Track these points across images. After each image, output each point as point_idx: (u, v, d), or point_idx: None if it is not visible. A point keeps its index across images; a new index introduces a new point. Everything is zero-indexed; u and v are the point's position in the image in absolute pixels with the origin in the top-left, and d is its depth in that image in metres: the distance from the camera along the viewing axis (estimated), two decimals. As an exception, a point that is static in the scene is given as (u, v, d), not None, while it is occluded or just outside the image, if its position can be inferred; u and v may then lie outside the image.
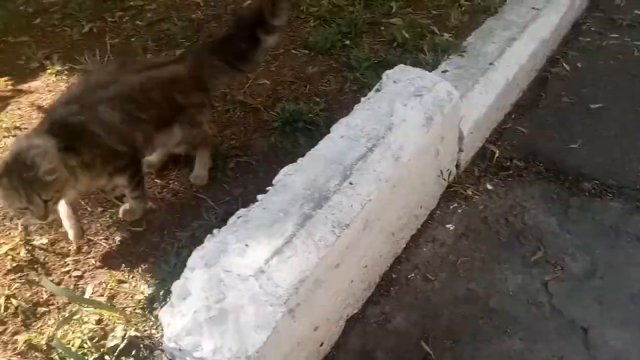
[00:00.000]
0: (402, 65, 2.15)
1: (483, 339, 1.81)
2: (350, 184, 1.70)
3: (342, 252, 1.66)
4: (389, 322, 1.95)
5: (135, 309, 1.83)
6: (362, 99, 2.08)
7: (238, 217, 1.66)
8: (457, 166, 2.36)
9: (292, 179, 1.75)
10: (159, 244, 2.04)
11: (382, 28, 3.06)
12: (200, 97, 2.13)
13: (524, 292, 1.97)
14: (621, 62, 3.02)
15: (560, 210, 2.25)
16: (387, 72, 2.13)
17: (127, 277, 1.95)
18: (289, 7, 2.17)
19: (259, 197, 1.73)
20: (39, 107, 2.65)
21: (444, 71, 2.45)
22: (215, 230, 1.63)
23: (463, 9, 3.09)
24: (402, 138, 1.87)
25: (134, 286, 1.91)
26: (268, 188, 1.75)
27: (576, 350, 1.75)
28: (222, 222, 1.70)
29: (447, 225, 2.26)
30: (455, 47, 2.60)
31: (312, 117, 2.48)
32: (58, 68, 2.87)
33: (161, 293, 1.85)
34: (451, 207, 2.33)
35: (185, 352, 1.49)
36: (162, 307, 1.63)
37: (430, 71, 2.23)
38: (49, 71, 2.88)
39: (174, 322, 1.50)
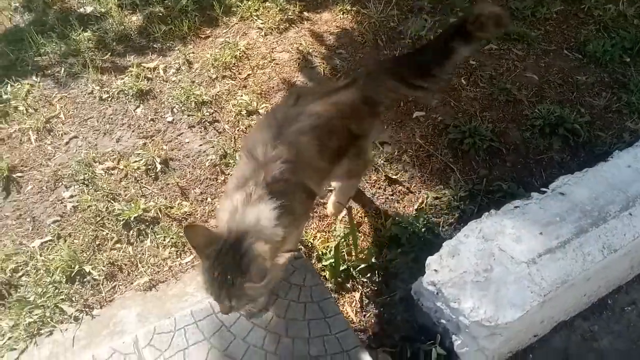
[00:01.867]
0: None
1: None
2: (630, 214, 1.81)
3: (598, 271, 1.81)
4: (594, 340, 2.09)
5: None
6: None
7: (515, 207, 1.88)
8: None
9: (571, 189, 1.90)
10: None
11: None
12: (371, 123, 1.90)
13: None
14: None
15: None
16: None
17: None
18: (507, 18, 1.84)
19: (534, 194, 1.92)
20: (317, 36, 3.05)
21: None
22: (492, 211, 1.88)
23: None
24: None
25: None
26: (544, 189, 1.93)
27: None
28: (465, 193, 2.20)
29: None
30: None
31: (574, 127, 2.53)
32: (347, 7, 3.21)
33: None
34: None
35: (444, 298, 1.80)
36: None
37: None
38: (338, 7, 3.23)
39: (442, 272, 1.81)
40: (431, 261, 1.88)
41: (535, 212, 1.84)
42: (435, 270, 1.82)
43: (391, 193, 2.42)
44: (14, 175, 2.42)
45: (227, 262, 1.40)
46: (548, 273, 1.71)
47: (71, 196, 2.33)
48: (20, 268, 2.06)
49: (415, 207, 2.36)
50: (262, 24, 3.14)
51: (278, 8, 3.20)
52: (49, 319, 1.87)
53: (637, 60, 2.87)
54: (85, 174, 2.39)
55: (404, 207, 2.36)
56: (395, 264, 2.16)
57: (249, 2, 3.25)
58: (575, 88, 2.76)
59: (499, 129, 2.59)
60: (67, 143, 2.58)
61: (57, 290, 1.95)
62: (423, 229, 2.25)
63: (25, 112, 2.68)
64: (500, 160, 2.50)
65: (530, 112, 2.64)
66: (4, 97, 2.73)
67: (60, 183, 2.39)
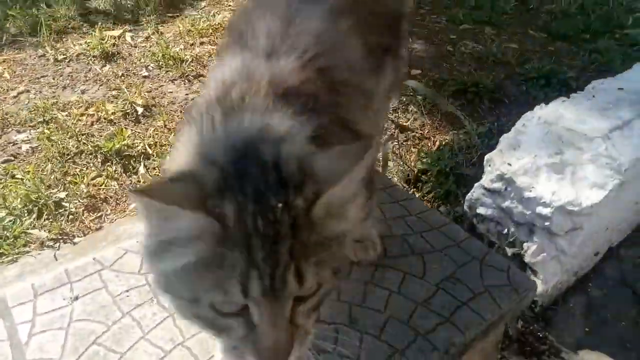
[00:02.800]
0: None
1: None
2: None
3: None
4: (646, 266, 1.92)
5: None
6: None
7: (561, 100, 1.76)
8: None
9: (607, 86, 1.84)
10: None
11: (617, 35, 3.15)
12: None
13: None
14: None
15: None
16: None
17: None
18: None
19: (573, 95, 1.83)
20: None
21: None
22: (542, 104, 1.74)
23: None
24: None
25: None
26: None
27: None
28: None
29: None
30: None
31: (565, 78, 2.57)
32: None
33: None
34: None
35: (516, 190, 1.56)
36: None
37: None
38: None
39: (507, 163, 1.59)
40: (492, 157, 1.65)
41: (586, 103, 1.73)
42: (505, 163, 1.59)
43: (405, 139, 2.22)
44: (-55, 123, 1.89)
45: (256, 180, 0.65)
46: (622, 149, 1.56)
47: (26, 139, 1.84)
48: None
49: (434, 148, 2.17)
50: (235, 6, 2.99)
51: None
52: (9, 245, 1.32)
53: (594, 37, 3.09)
54: (44, 117, 1.92)
55: (422, 149, 2.16)
56: (427, 199, 1.91)
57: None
58: (553, 55, 2.87)
59: (497, 83, 2.57)
60: (15, 97, 2.11)
61: (17, 221, 1.42)
62: (448, 166, 2.05)
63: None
64: (506, 108, 2.44)
65: (521, 70, 2.67)
66: None
67: (10, 129, 1.90)
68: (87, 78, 2.27)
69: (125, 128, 1.90)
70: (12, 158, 1.75)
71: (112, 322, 0.98)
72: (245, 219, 0.61)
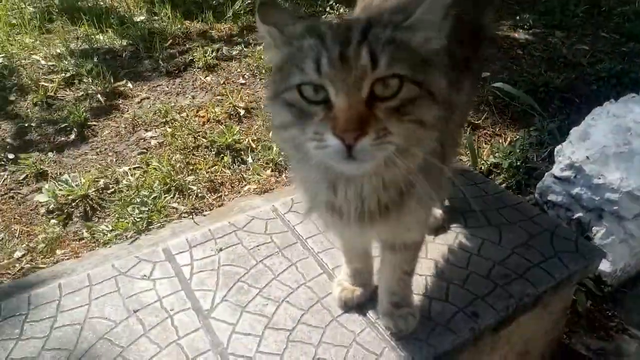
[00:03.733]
0: None
1: None
2: None
3: None
4: None
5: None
6: None
7: (631, 96, 1.88)
8: None
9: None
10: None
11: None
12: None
13: None
14: None
15: None
16: None
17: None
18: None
19: (643, 92, 1.93)
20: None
21: None
22: (612, 100, 1.87)
23: None
24: None
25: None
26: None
27: None
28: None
29: None
30: None
31: (637, 77, 2.63)
32: None
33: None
34: None
35: (585, 178, 1.71)
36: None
37: None
38: None
39: (577, 153, 1.74)
40: (562, 148, 1.82)
41: (655, 100, 1.84)
42: (572, 153, 1.75)
43: (477, 136, 2.40)
44: (88, 123, 2.30)
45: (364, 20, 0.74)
46: (691, 139, 1.67)
47: (153, 136, 2.21)
48: (110, 185, 1.87)
49: (506, 144, 2.33)
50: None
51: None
52: (157, 214, 1.66)
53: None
54: (165, 118, 2.30)
55: (494, 145, 2.32)
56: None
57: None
58: (625, 55, 2.93)
59: (567, 83, 2.68)
60: (138, 102, 2.50)
61: (157, 197, 1.76)
62: (519, 160, 2.21)
63: (90, 82, 2.62)
64: (576, 107, 2.54)
65: (591, 70, 2.76)
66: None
67: (139, 128, 2.28)
68: (195, 86, 2.63)
69: (233, 126, 2.23)
70: (145, 150, 2.11)
71: (249, 267, 1.26)
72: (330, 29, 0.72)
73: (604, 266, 1.75)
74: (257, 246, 1.33)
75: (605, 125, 1.76)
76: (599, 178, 1.68)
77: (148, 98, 2.54)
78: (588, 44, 3.09)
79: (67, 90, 2.58)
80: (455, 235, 1.34)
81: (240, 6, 3.38)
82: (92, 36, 3.00)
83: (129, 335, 1.10)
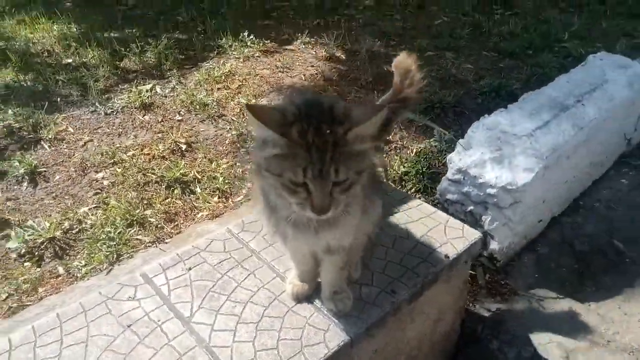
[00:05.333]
0: (604, 52, 2.89)
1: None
2: (583, 104, 2.40)
3: (575, 148, 2.32)
4: (580, 229, 2.55)
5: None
6: (572, 69, 2.81)
7: (500, 111, 2.39)
8: (629, 141, 2.98)
9: (535, 97, 2.48)
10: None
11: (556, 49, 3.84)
12: None
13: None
14: None
15: None
16: (591, 55, 2.87)
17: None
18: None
19: (510, 106, 2.46)
20: (289, 58, 3.60)
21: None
22: (486, 115, 2.37)
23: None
24: (612, 90, 2.57)
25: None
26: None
27: None
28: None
29: (622, 180, 2.86)
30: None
31: (512, 89, 3.23)
32: (306, 40, 3.85)
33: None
34: (622, 170, 2.94)
35: (471, 177, 2.18)
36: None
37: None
38: (299, 41, 3.86)
39: (464, 159, 2.21)
40: (452, 157, 2.28)
41: (517, 111, 2.36)
42: (460, 160, 2.22)
43: (389, 149, 2.84)
44: (38, 170, 2.46)
45: (318, 118, 1.08)
46: (543, 142, 2.19)
47: (103, 177, 2.43)
48: (74, 226, 2.08)
49: (412, 154, 2.79)
50: (237, 55, 3.63)
51: (248, 44, 3.73)
52: (125, 247, 1.91)
53: (536, 52, 3.77)
54: (113, 159, 2.52)
55: (403, 156, 2.78)
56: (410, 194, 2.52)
57: (223, 40, 3.75)
58: (502, 71, 3.54)
59: (457, 99, 3.21)
60: (83, 146, 2.70)
61: (122, 232, 2.00)
62: (424, 167, 2.67)
63: (29, 129, 2.77)
64: (466, 118, 3.07)
65: (476, 86, 3.33)
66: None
67: (89, 170, 2.48)
68: (135, 125, 2.86)
69: (178, 161, 2.50)
70: (99, 191, 2.33)
71: (216, 279, 1.55)
72: (307, 136, 1.05)
73: (494, 246, 2.23)
74: (220, 262, 1.63)
75: (481, 136, 2.25)
76: (481, 178, 2.16)
77: (91, 140, 2.74)
78: (473, 62, 3.68)
79: (8, 139, 2.71)
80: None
81: (166, 44, 3.64)
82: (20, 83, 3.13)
83: (128, 345, 1.36)
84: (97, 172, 2.47)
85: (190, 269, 1.61)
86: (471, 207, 2.24)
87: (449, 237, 1.73)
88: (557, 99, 2.43)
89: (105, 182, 2.38)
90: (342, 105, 1.14)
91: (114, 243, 1.91)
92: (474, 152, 2.22)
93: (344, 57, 3.67)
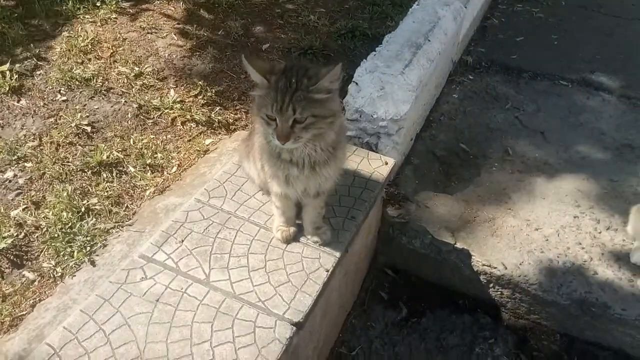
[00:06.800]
0: (430, -8, 3.55)
1: (490, 140, 3.25)
2: (429, 40, 3.03)
3: (430, 77, 2.96)
4: (436, 138, 3.30)
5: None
6: (410, 9, 3.42)
7: (374, 54, 2.89)
8: (454, 61, 3.80)
9: (395, 39, 3.02)
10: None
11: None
12: None
13: (506, 120, 3.46)
14: (528, 19, 4.79)
15: (514, 85, 3.82)
16: (421, -5, 3.51)
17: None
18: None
19: (377, 48, 2.97)
20: (152, 18, 3.54)
21: (442, 5, 3.90)
22: (365, 60, 2.84)
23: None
24: (445, 25, 3.25)
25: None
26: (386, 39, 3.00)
27: (539, 142, 3.27)
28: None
29: (454, 95, 3.69)
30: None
31: (364, 30, 3.75)
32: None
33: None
34: (452, 87, 3.77)
35: (366, 115, 2.67)
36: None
37: None
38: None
39: (357, 101, 2.68)
40: (347, 99, 2.73)
41: (386, 53, 2.89)
42: (354, 101, 2.68)
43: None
44: None
45: (293, 74, 1.44)
46: (411, 77, 2.77)
47: (14, 175, 2.30)
48: (15, 234, 2.03)
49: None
50: (91, 19, 3.42)
51: (98, 4, 3.52)
52: (92, 238, 1.98)
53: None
54: (15, 155, 2.37)
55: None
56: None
57: (70, 4, 3.46)
58: (349, 11, 4.02)
59: (322, 43, 3.61)
60: (-38, 146, 2.44)
61: (78, 225, 2.04)
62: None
63: None
64: (333, 60, 3.52)
65: (333, 29, 3.76)
66: None
67: (-8, 171, 2.32)
68: (15, 114, 2.65)
69: (93, 144, 2.47)
70: (20, 190, 2.23)
71: (211, 243, 1.80)
72: (279, 83, 1.44)
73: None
74: (206, 228, 1.87)
75: (367, 79, 2.74)
76: (374, 114, 2.67)
77: (-29, 138, 2.49)
78: (322, 5, 4.07)
79: None
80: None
81: (1, 14, 3.24)
82: None
83: (167, 314, 1.58)
84: (2, 172, 2.32)
85: (182, 241, 1.82)
86: (367, 139, 2.76)
87: (373, 167, 2.22)
88: (411, 39, 3.02)
89: (21, 181, 2.28)
90: (316, 69, 1.51)
91: (81, 237, 1.96)
92: (364, 94, 2.70)
93: (206, 12, 3.72)
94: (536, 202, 2.84)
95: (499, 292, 2.56)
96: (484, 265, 2.52)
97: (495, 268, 2.50)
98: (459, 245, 2.58)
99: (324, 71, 1.46)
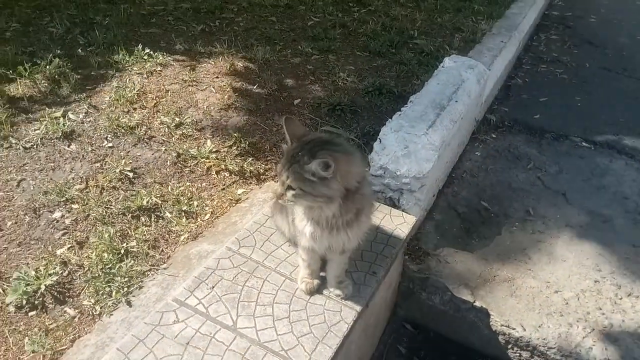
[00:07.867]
0: (454, 55, 3.74)
1: (511, 199, 3.33)
2: (456, 101, 3.18)
3: (452, 137, 3.10)
4: (458, 195, 3.40)
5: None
6: (435, 71, 3.60)
7: (399, 113, 3.05)
8: (477, 120, 3.94)
9: (419, 100, 3.19)
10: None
11: (411, 46, 4.68)
12: None
13: (528, 180, 3.54)
14: (552, 80, 4.93)
15: (536, 145, 3.91)
16: (446, 58, 3.70)
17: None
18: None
19: (403, 108, 3.14)
20: (191, 71, 3.82)
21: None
22: (390, 119, 3.00)
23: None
24: (469, 87, 3.41)
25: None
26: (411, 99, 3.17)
27: (560, 203, 3.33)
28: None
29: (476, 153, 3.81)
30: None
31: (390, 88, 3.94)
32: (201, 50, 4.07)
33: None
34: (475, 145, 3.89)
35: (390, 171, 2.80)
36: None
37: (466, 62, 3.83)
38: (194, 51, 4.06)
39: (381, 158, 2.82)
40: (372, 156, 2.88)
41: (411, 113, 3.05)
42: (379, 158, 2.82)
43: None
44: (-17, 220, 2.42)
45: (307, 147, 1.61)
46: (435, 137, 2.90)
47: (62, 215, 2.49)
48: (60, 271, 2.18)
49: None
50: (138, 71, 3.71)
51: (145, 58, 3.82)
52: (129, 279, 2.12)
53: (398, 50, 4.55)
54: (64, 197, 2.57)
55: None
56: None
57: (120, 55, 3.78)
58: (377, 69, 4.23)
59: (350, 100, 3.81)
60: (17, 185, 2.66)
61: (118, 266, 2.19)
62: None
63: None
64: (360, 116, 3.70)
65: (361, 86, 3.97)
66: None
67: (42, 211, 2.51)
68: (65, 158, 2.88)
69: (133, 189, 2.66)
70: (66, 230, 2.41)
71: (239, 291, 1.91)
72: (292, 149, 1.64)
73: (409, 221, 2.91)
74: (235, 277, 1.99)
75: (392, 138, 2.89)
76: (398, 171, 2.80)
77: (24, 179, 2.71)
78: (352, 63, 4.31)
79: None
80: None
81: (58, 64, 3.55)
82: None
83: (197, 357, 1.68)
84: (51, 212, 2.51)
85: (213, 287, 1.95)
86: (391, 194, 2.88)
87: (395, 223, 2.33)
88: (436, 100, 3.18)
89: (67, 221, 2.46)
90: (324, 151, 1.61)
91: (119, 277, 2.11)
92: (388, 151, 2.84)
93: (242, 67, 3.99)
94: (557, 264, 2.88)
95: (518, 354, 2.57)
96: (502, 325, 2.55)
97: (514, 329, 2.52)
98: (477, 303, 2.62)
99: (316, 161, 1.56)
